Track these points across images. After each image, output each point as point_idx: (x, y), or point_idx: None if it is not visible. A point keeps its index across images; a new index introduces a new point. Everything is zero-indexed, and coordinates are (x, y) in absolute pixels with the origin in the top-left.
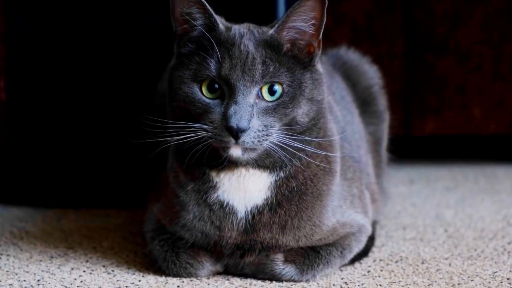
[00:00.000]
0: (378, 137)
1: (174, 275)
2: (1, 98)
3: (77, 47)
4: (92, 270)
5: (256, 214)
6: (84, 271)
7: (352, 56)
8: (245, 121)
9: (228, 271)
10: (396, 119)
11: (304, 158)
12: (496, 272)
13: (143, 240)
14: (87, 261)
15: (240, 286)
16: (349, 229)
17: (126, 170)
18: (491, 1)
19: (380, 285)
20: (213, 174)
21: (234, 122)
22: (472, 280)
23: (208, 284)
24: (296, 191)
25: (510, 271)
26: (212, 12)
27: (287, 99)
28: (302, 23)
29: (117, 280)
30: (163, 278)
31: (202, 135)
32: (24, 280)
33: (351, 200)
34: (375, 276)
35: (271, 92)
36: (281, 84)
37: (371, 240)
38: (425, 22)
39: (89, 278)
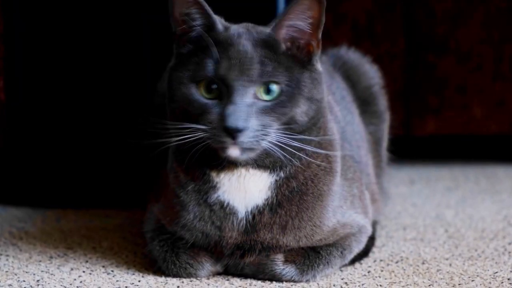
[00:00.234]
0: (379, 137)
1: (174, 276)
2: (1, 98)
3: (77, 47)
4: (92, 271)
5: (257, 214)
6: (83, 272)
7: (352, 56)
8: (242, 121)
9: (228, 272)
10: (396, 119)
11: (304, 158)
12: (496, 272)
13: (143, 240)
14: (87, 261)
15: (240, 286)
16: (350, 229)
17: (126, 170)
18: (491, 0)
19: (381, 285)
20: (213, 174)
21: (231, 122)
22: (472, 281)
23: (208, 285)
24: (297, 191)
25: (510, 271)
26: (211, 13)
27: (285, 98)
28: (300, 22)
29: (117, 281)
30: (162, 279)
31: (201, 136)
32: (24, 281)
33: (352, 201)
34: (376, 277)
35: (269, 91)
36: (279, 83)
37: (371, 240)
38: (425, 22)
39: (88, 279)
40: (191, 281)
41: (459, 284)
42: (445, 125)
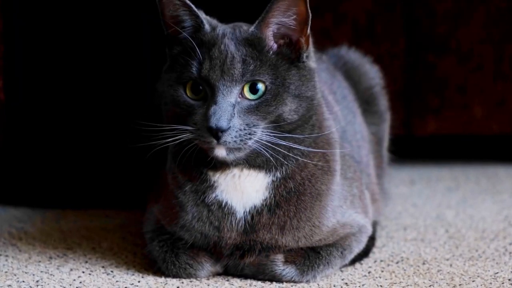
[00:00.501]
0: (379, 138)
1: (174, 276)
2: (0, 98)
3: (77, 47)
4: (91, 271)
5: (255, 214)
6: (83, 272)
7: (353, 56)
8: (224, 121)
9: (228, 272)
10: (397, 119)
11: (299, 157)
12: (497, 272)
13: (143, 240)
14: (86, 262)
15: (240, 287)
16: (350, 229)
17: (126, 170)
18: (492, 0)
19: (381, 285)
20: (210, 173)
21: (213, 122)
22: (473, 281)
23: (208, 285)
24: (294, 191)
25: (511, 271)
26: (199, 14)
27: (269, 96)
28: (284, 18)
29: (117, 281)
30: (162, 279)
31: (189, 137)
32: (23, 281)
33: (352, 200)
34: (376, 277)
35: (254, 90)
36: (263, 82)
37: (371, 240)
38: (426, 22)
39: (88, 279)
40: (191, 281)
41: (460, 285)
42: (445, 125)
